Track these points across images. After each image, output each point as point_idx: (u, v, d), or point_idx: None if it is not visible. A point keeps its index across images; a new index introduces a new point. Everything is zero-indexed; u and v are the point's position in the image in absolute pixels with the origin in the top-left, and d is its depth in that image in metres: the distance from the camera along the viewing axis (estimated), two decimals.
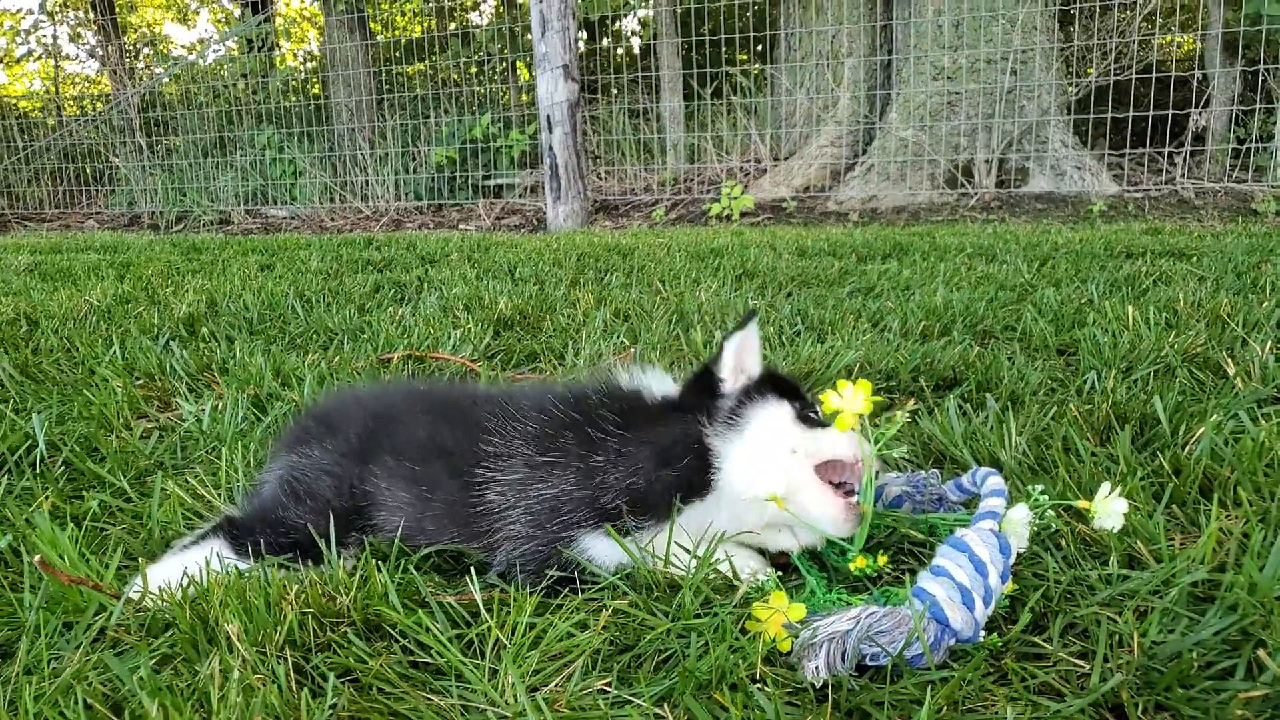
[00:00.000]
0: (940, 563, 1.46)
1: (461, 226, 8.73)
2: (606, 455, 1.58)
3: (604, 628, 1.37)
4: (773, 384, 1.69)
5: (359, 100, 9.95)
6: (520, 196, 9.28)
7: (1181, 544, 1.62)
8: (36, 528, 1.60)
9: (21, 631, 1.36)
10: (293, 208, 9.68)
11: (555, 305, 3.67)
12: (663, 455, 1.57)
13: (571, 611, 1.42)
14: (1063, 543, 1.64)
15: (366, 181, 9.50)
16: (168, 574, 1.48)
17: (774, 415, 1.62)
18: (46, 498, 1.83)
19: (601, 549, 1.56)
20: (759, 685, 1.25)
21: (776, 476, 1.55)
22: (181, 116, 10.04)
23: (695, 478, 1.57)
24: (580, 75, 7.98)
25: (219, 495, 1.87)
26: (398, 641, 1.33)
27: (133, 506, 1.84)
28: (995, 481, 1.73)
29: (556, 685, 1.26)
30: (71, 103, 12.09)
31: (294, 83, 10.71)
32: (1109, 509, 1.59)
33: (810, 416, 1.66)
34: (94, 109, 11.08)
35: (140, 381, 2.59)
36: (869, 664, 1.32)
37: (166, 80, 10.73)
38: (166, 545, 1.69)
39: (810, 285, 4.10)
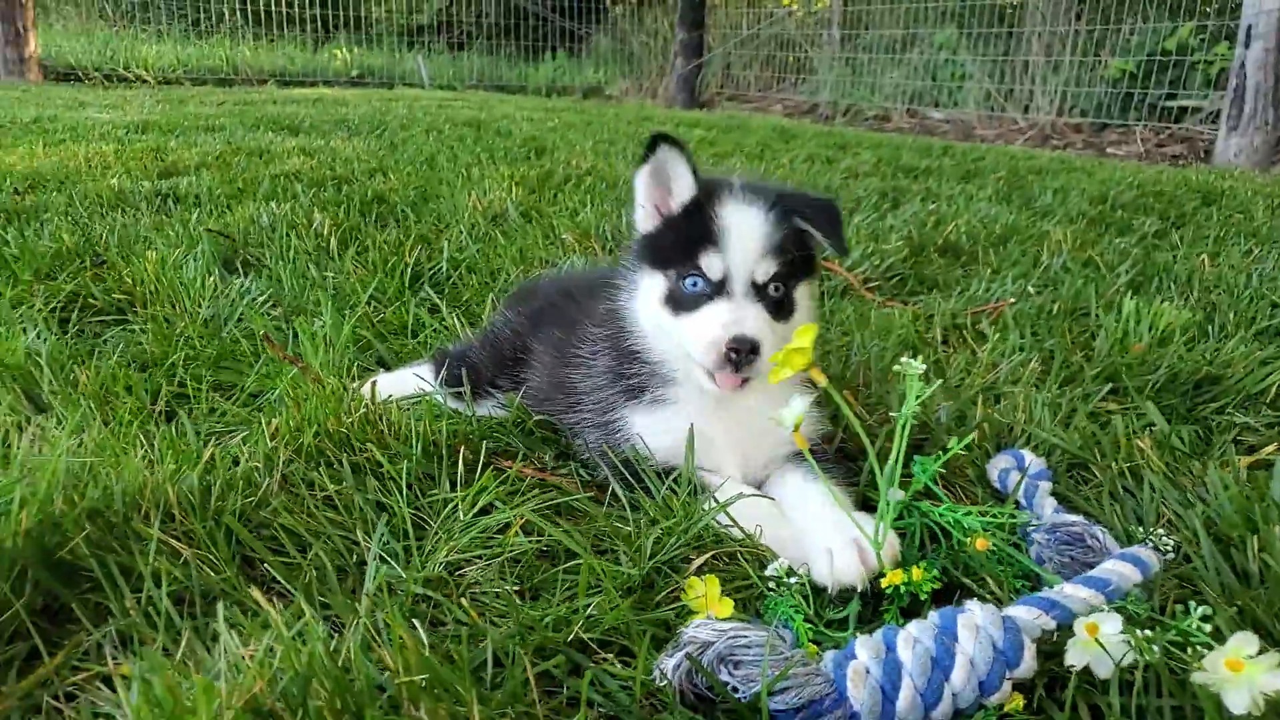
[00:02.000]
0: (902, 629, 1.14)
1: (1110, 151, 7.64)
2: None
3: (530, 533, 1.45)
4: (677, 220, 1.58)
5: (1056, 2, 9.13)
6: (1200, 123, 7.68)
7: None
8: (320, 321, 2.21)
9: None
10: (950, 112, 9.55)
11: (1022, 238, 3.22)
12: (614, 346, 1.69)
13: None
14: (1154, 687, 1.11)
15: (1030, 92, 8.84)
16: (390, 381, 1.94)
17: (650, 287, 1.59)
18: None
19: (640, 424, 1.62)
20: (622, 660, 1.20)
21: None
22: (878, 11, 10.48)
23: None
24: None
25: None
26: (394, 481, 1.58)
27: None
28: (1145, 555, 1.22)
29: (471, 571, 1.39)
30: None
31: None
32: (1245, 678, 1.02)
33: (679, 293, 1.53)
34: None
35: (569, 236, 3.14)
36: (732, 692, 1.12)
37: None
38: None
39: None
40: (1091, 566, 1.37)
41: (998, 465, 1.70)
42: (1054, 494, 1.59)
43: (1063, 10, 8.75)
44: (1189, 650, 1.15)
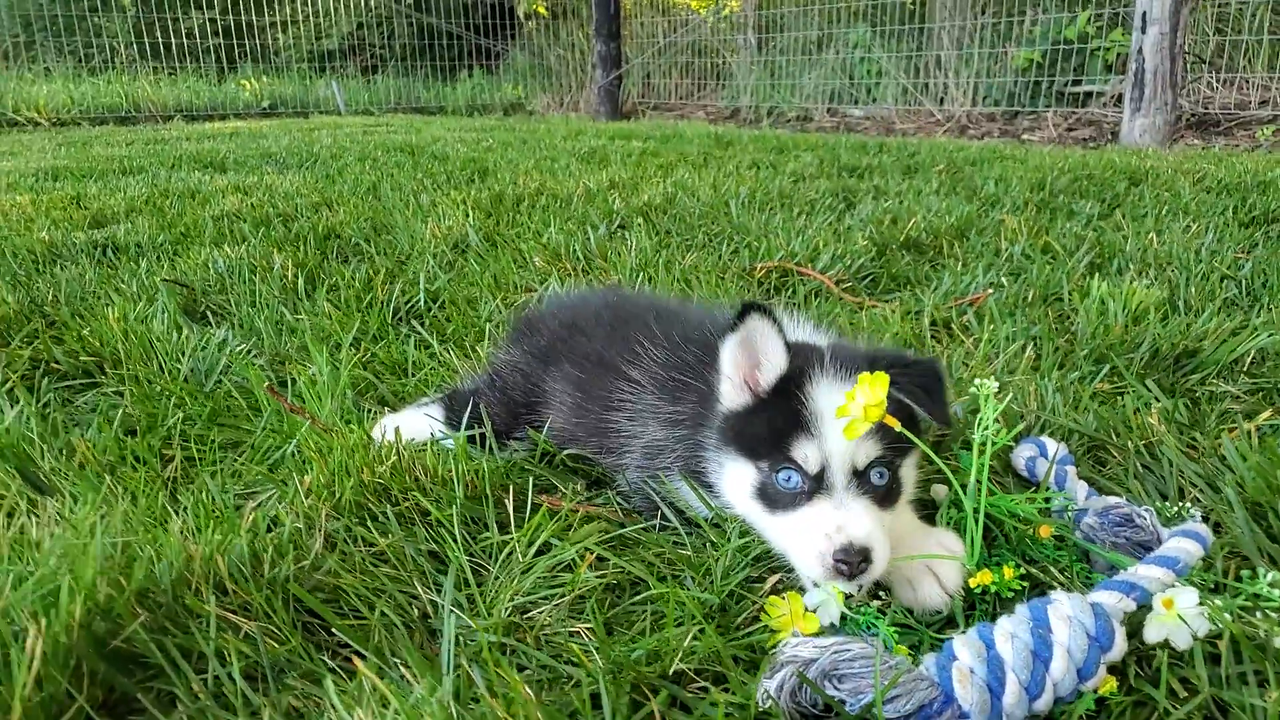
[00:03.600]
0: (996, 625, 1.17)
1: (1025, 137, 7.96)
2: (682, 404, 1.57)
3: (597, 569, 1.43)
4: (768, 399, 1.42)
5: None
6: (1103, 106, 8.06)
7: None
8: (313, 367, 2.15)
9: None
10: (869, 109, 9.81)
11: (978, 227, 3.32)
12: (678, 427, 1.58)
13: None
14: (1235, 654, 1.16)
15: (945, 85, 9.14)
16: (398, 422, 1.89)
17: (738, 474, 1.43)
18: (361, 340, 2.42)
19: (688, 495, 1.56)
20: (719, 688, 1.19)
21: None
22: (791, 14, 10.71)
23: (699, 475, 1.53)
24: None
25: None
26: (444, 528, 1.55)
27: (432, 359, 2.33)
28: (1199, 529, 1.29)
29: (539, 614, 1.36)
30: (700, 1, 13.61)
31: None
32: None
33: (773, 488, 1.38)
34: (727, 5, 12.40)
35: (538, 259, 3.11)
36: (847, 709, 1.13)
37: None
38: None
39: None
40: (1143, 545, 1.43)
41: (1023, 454, 1.75)
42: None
43: (968, 5, 9.07)
44: (1259, 615, 1.21)
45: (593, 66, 11.97)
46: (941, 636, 1.31)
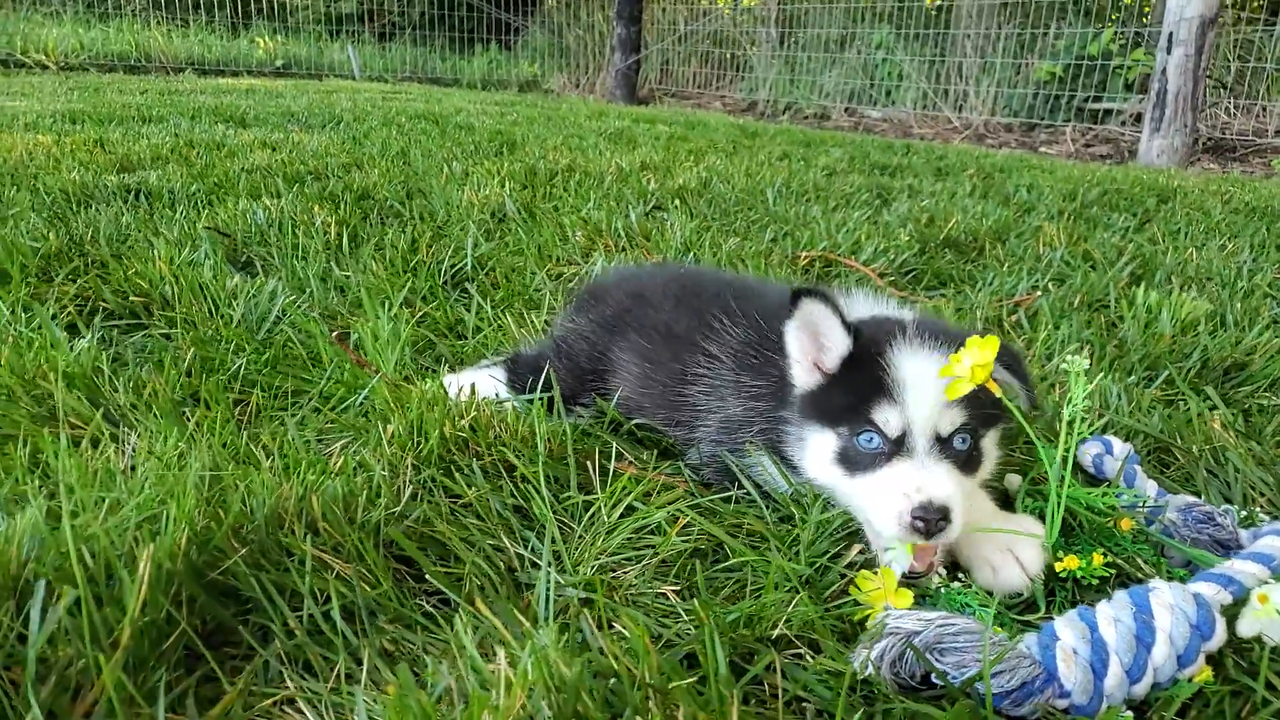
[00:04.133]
0: (1097, 609, 1.19)
1: (1043, 150, 8.01)
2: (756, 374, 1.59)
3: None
4: (842, 372, 1.44)
5: (983, 3, 9.49)
6: (1121, 125, 8.12)
7: None
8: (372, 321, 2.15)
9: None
10: (887, 110, 9.84)
11: (1016, 232, 3.35)
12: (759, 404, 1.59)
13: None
14: None
15: (964, 92, 9.18)
16: (461, 381, 1.89)
17: (819, 444, 1.46)
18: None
19: (770, 467, 1.58)
20: (813, 654, 1.20)
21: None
22: (814, 10, 10.71)
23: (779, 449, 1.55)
24: None
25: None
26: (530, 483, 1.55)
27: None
28: None
29: (625, 574, 1.37)
30: None
31: None
32: None
33: (854, 450, 1.40)
34: None
35: (579, 234, 3.11)
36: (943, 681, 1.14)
37: None
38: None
39: None
40: (1223, 544, 1.46)
41: (1089, 451, 1.77)
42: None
43: (992, 13, 9.10)
44: None
45: (611, 49, 11.92)
46: (1025, 620, 1.33)
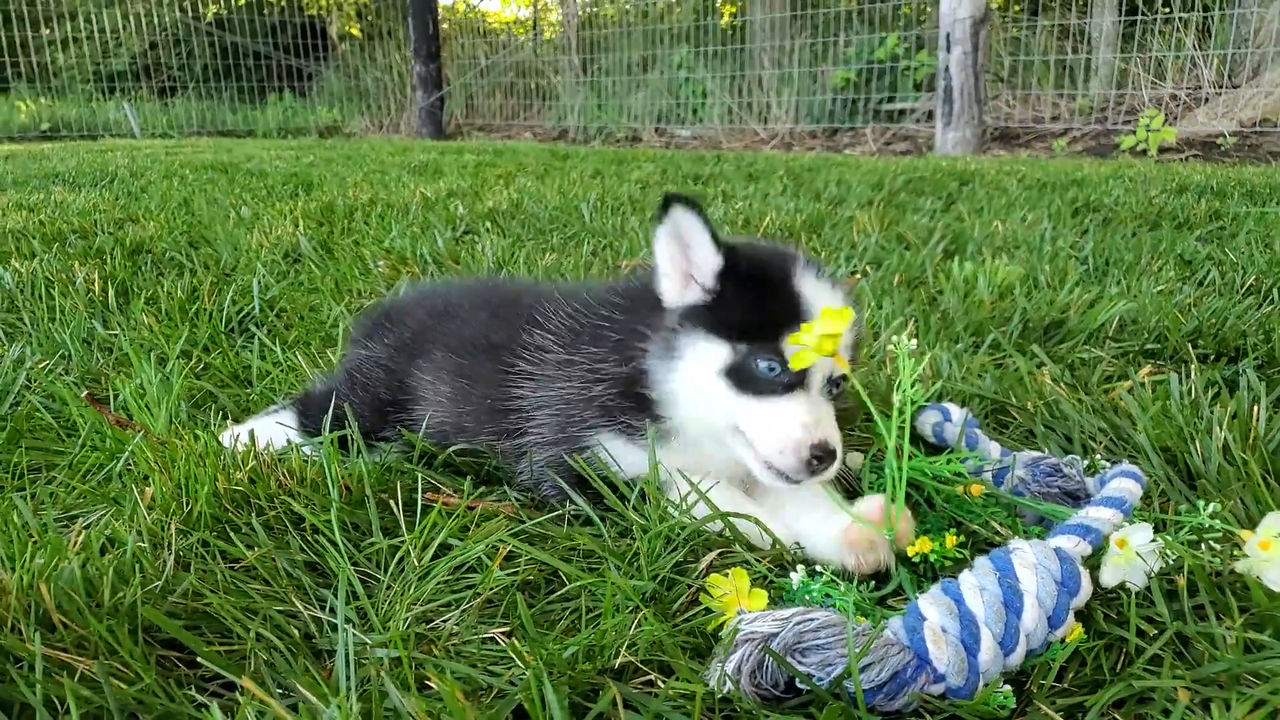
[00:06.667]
0: (960, 580, 1.09)
1: (847, 151, 8.36)
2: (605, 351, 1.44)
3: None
4: (735, 289, 1.36)
5: (774, 17, 9.86)
6: (916, 122, 8.60)
7: None
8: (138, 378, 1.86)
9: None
10: (696, 128, 10.03)
11: (831, 223, 3.37)
12: (600, 371, 1.44)
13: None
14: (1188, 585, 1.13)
15: (767, 104, 9.48)
16: (238, 431, 1.62)
17: (706, 354, 1.35)
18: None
19: (616, 449, 1.44)
20: (664, 679, 1.04)
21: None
22: (613, 35, 10.84)
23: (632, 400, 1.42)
24: None
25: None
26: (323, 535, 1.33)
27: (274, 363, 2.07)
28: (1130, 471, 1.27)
29: (445, 622, 1.17)
30: (520, 26, 13.58)
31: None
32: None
33: (747, 371, 1.32)
34: (548, 29, 12.43)
35: (382, 264, 2.88)
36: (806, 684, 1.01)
37: None
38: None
39: (1157, 226, 3.30)
40: (1072, 495, 1.41)
41: (928, 420, 1.71)
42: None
43: (784, 26, 9.47)
44: (1202, 547, 1.20)
45: (412, 88, 11.62)
46: (885, 599, 1.23)
